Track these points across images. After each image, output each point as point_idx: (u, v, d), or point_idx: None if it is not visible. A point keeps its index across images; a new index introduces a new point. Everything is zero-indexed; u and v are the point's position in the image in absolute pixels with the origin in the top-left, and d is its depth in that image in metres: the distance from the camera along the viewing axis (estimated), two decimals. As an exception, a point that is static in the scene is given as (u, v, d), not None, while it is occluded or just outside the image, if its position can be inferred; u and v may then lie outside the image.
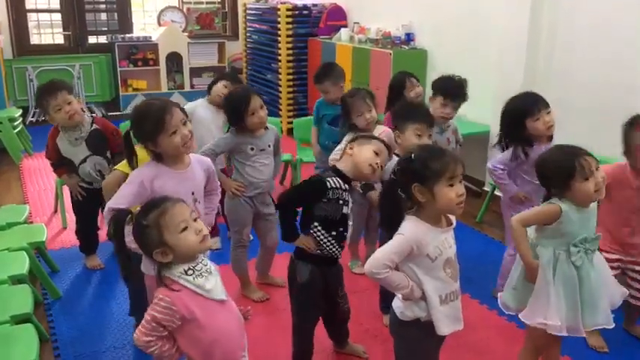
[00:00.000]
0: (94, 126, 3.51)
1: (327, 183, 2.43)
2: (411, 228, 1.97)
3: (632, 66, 3.83)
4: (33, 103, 7.46)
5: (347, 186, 2.48)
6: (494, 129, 4.81)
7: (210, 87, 3.97)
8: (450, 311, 2.03)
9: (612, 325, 2.28)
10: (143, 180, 2.24)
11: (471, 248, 3.99)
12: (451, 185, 1.92)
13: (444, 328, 2.01)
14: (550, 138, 3.09)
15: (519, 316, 2.31)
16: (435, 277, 1.99)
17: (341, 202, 2.46)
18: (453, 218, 2.07)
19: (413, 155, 1.99)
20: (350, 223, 2.57)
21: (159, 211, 1.86)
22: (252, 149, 3.15)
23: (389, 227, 2.06)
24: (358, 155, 2.46)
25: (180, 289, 1.87)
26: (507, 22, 4.58)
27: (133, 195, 2.22)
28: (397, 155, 2.85)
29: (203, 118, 3.85)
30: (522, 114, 3.01)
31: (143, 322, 1.87)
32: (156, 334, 1.86)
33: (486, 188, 4.86)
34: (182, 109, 2.28)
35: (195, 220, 1.90)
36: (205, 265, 1.94)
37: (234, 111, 3.10)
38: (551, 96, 4.34)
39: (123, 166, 2.70)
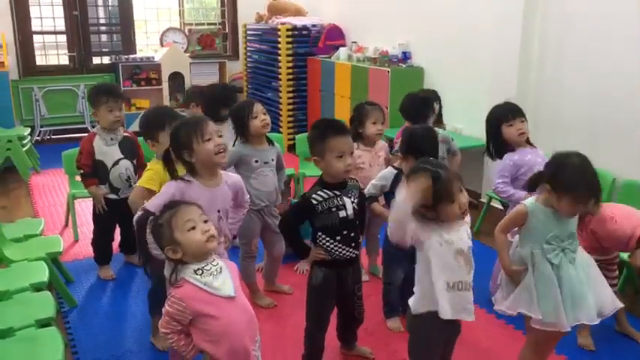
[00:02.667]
0: (125, 134, 3.78)
1: (312, 200, 2.61)
2: None
3: (625, 79, 4.01)
4: (39, 123, 7.65)
5: (337, 192, 2.63)
6: (489, 143, 5.05)
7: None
8: (456, 299, 2.20)
9: (595, 322, 2.40)
10: (175, 192, 2.42)
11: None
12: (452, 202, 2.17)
13: (446, 311, 2.18)
14: (530, 144, 3.32)
15: (503, 307, 2.44)
16: (444, 261, 2.18)
17: (334, 209, 2.61)
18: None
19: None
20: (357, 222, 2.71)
21: (172, 211, 2.09)
22: (256, 161, 3.33)
23: None
24: (327, 167, 2.61)
25: (188, 286, 2.06)
26: (500, 40, 4.80)
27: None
28: (394, 168, 3.08)
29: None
30: (499, 120, 3.31)
31: (163, 315, 2.08)
32: (171, 327, 2.07)
33: (483, 200, 5.03)
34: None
35: (205, 222, 2.10)
36: (215, 265, 2.12)
37: (239, 117, 3.32)
38: (544, 111, 4.60)
39: (144, 181, 2.88)
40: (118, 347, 3.09)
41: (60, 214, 5.01)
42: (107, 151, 3.66)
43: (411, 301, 2.32)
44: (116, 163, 3.67)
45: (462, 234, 2.25)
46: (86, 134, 3.87)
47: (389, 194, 3.07)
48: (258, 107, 3.33)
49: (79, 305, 3.52)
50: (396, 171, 3.09)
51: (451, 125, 5.03)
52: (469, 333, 3.19)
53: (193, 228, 2.06)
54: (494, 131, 3.36)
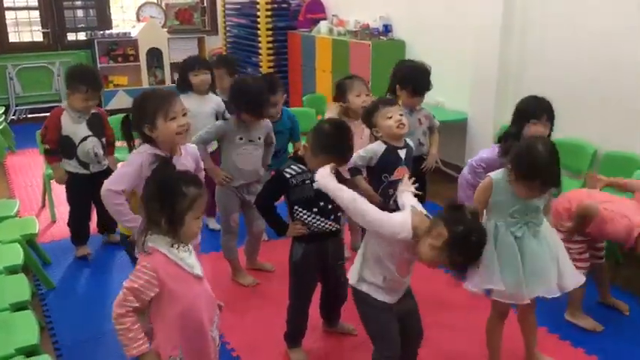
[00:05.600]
0: (94, 110, 3.66)
1: (285, 174, 2.59)
2: None
3: (608, 53, 3.97)
4: (14, 102, 7.47)
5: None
6: (472, 116, 5.02)
7: (183, 78, 3.92)
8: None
9: (555, 295, 2.42)
10: (142, 163, 2.35)
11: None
12: None
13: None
14: None
15: (470, 287, 2.43)
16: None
17: (308, 182, 2.58)
18: None
19: None
20: None
21: (199, 192, 1.97)
22: (240, 139, 3.25)
23: None
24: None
25: (160, 256, 1.93)
26: (482, 12, 4.73)
27: (132, 177, 2.34)
28: (384, 143, 3.00)
29: (192, 109, 3.95)
30: (528, 114, 2.98)
31: (119, 294, 1.91)
32: (127, 306, 1.88)
33: (465, 174, 5.00)
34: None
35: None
36: (188, 245, 2.05)
37: (255, 101, 3.16)
38: (526, 82, 4.56)
39: None
40: (97, 328, 3.04)
41: (37, 194, 4.91)
42: (75, 128, 3.56)
43: None
44: (84, 139, 3.58)
45: None
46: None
47: (374, 170, 3.02)
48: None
49: (56, 287, 3.46)
50: (385, 145, 3.01)
51: (433, 99, 4.98)
52: (445, 307, 3.20)
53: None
54: (519, 125, 3.01)
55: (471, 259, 2.07)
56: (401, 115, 2.96)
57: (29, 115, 7.61)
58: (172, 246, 1.97)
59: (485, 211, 2.47)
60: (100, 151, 3.66)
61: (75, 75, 3.56)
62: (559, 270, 2.44)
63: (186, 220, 1.95)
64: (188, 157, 2.52)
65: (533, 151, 2.27)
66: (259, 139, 3.32)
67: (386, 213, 2.17)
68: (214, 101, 3.92)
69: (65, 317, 3.15)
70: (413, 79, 3.48)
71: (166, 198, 1.96)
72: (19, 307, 2.68)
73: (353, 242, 3.84)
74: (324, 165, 2.35)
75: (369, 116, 3.03)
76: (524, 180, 2.28)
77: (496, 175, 2.41)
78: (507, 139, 3.00)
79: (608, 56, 3.95)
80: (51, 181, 4.34)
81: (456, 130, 5.02)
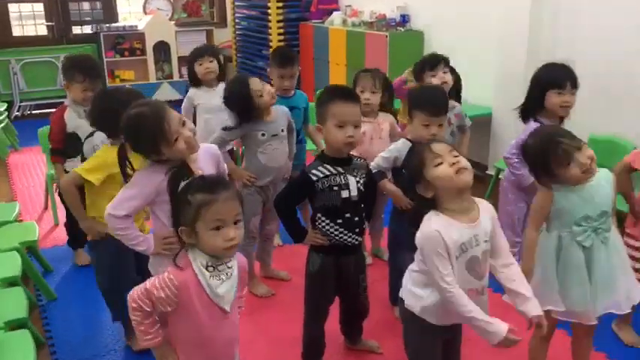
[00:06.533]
0: None
1: (311, 176, 2.32)
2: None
3: (633, 47, 3.72)
4: (18, 98, 7.26)
5: (340, 169, 2.33)
6: (497, 111, 4.75)
7: (190, 70, 3.79)
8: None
9: (626, 310, 2.19)
10: (148, 184, 2.09)
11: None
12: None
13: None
14: (561, 119, 2.96)
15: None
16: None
17: (335, 188, 2.32)
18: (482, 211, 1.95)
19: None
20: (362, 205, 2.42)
21: (207, 198, 1.69)
22: (263, 135, 3.01)
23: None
24: (328, 135, 2.33)
25: (191, 275, 1.73)
26: (509, 2, 4.43)
27: (136, 201, 2.10)
28: (409, 140, 2.73)
29: (202, 103, 3.74)
30: (549, 84, 2.84)
31: (141, 287, 1.75)
32: (143, 304, 1.73)
33: (490, 172, 4.74)
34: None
35: (236, 223, 1.72)
36: (230, 268, 1.79)
37: (240, 104, 2.93)
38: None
39: (84, 169, 2.55)
40: (100, 345, 2.83)
41: (40, 195, 4.68)
42: (81, 123, 3.31)
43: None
44: (90, 134, 3.34)
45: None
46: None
47: (399, 170, 2.76)
48: (256, 83, 2.97)
49: (58, 298, 3.23)
50: (410, 143, 2.75)
51: (455, 93, 4.71)
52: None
53: (218, 228, 1.70)
54: (537, 94, 2.88)
55: None
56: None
57: (34, 112, 7.41)
58: (208, 266, 1.74)
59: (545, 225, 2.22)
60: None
61: (70, 64, 3.33)
62: (626, 281, 2.18)
63: (200, 233, 1.70)
64: (207, 159, 2.24)
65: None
66: (282, 131, 3.06)
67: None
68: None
69: (66, 332, 2.93)
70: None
71: (174, 209, 1.75)
72: (15, 325, 2.47)
73: (374, 247, 3.60)
74: (336, 125, 2.25)
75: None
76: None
77: (555, 184, 2.14)
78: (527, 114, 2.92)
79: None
80: (53, 182, 4.13)
81: (479, 126, 4.73)
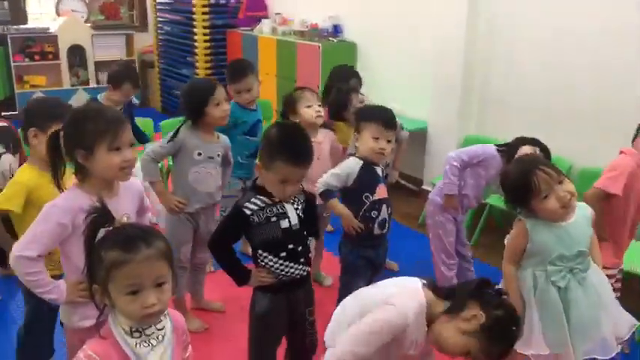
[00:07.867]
0: (1, 123, 3.02)
1: (245, 210, 2.10)
2: None
3: (573, 61, 3.73)
4: None
5: (275, 198, 2.12)
6: (432, 125, 4.68)
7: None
8: None
9: (609, 356, 2.07)
10: (62, 219, 1.79)
11: (413, 249, 3.81)
12: None
13: None
14: None
15: (516, 347, 2.05)
16: None
17: (274, 219, 2.12)
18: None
19: None
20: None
21: (120, 258, 1.39)
22: (199, 154, 2.79)
23: None
24: (265, 181, 2.12)
25: (111, 344, 1.42)
26: (445, 14, 4.37)
27: (50, 237, 1.79)
28: (353, 155, 2.61)
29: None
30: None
31: None
32: None
33: (425, 187, 4.66)
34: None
35: (159, 285, 1.42)
36: (160, 330, 1.49)
37: (196, 101, 2.79)
38: (493, 90, 4.26)
39: (1, 200, 2.23)
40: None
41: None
42: None
43: None
44: None
45: None
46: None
47: (352, 190, 2.61)
48: (221, 93, 2.81)
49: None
50: (362, 161, 2.60)
51: (388, 106, 4.60)
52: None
53: (134, 293, 1.40)
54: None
55: (506, 352, 1.68)
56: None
57: None
58: (132, 335, 1.44)
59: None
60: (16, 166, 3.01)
61: None
62: (611, 318, 2.08)
63: (113, 296, 1.41)
64: (129, 196, 1.96)
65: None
66: (218, 156, 2.87)
67: (379, 311, 1.79)
68: None
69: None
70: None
71: (88, 262, 1.46)
72: None
73: (314, 272, 3.40)
74: (279, 180, 2.01)
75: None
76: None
77: (529, 220, 2.04)
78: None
79: (584, 62, 3.67)
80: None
81: (415, 139, 4.65)
